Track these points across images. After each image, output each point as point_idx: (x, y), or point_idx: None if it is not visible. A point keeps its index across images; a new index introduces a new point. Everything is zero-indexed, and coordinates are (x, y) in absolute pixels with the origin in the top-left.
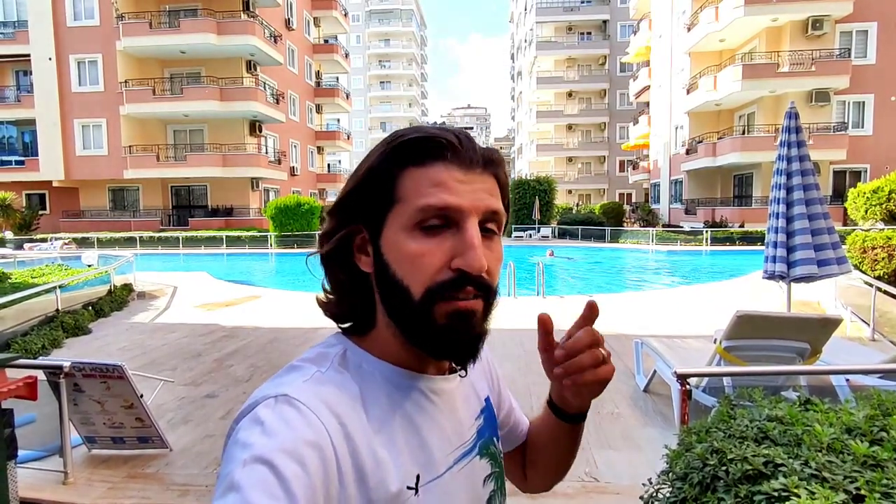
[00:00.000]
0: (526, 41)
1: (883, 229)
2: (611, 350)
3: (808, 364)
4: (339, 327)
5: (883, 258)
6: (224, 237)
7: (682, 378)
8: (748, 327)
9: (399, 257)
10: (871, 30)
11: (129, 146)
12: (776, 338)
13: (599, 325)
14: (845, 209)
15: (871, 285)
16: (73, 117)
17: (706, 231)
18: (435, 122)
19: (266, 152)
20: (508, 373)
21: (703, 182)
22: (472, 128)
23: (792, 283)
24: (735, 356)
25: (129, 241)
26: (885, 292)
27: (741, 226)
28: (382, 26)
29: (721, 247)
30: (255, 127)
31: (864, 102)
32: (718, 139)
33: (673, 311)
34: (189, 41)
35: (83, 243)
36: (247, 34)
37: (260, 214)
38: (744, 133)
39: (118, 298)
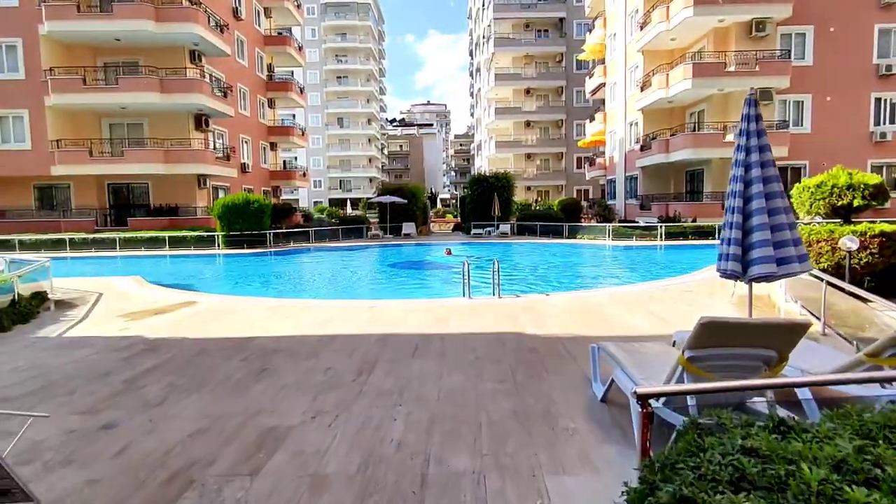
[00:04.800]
0: (484, 37)
1: (821, 223)
2: (567, 354)
3: (775, 372)
4: None
5: (827, 251)
6: (167, 238)
7: (644, 399)
8: (713, 336)
9: None
10: (808, 33)
11: (58, 140)
12: (742, 346)
13: (557, 327)
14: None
15: (820, 279)
16: None
17: (661, 226)
18: (395, 119)
19: (214, 148)
20: (457, 384)
21: (657, 178)
22: (431, 124)
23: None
24: (699, 367)
25: (59, 244)
26: (834, 286)
27: (694, 220)
28: (338, 20)
29: (675, 241)
30: (201, 121)
31: (802, 102)
32: (671, 136)
33: (630, 308)
34: (124, 27)
35: (2, 246)
36: (189, 22)
37: (208, 213)
38: (695, 130)
39: (24, 309)
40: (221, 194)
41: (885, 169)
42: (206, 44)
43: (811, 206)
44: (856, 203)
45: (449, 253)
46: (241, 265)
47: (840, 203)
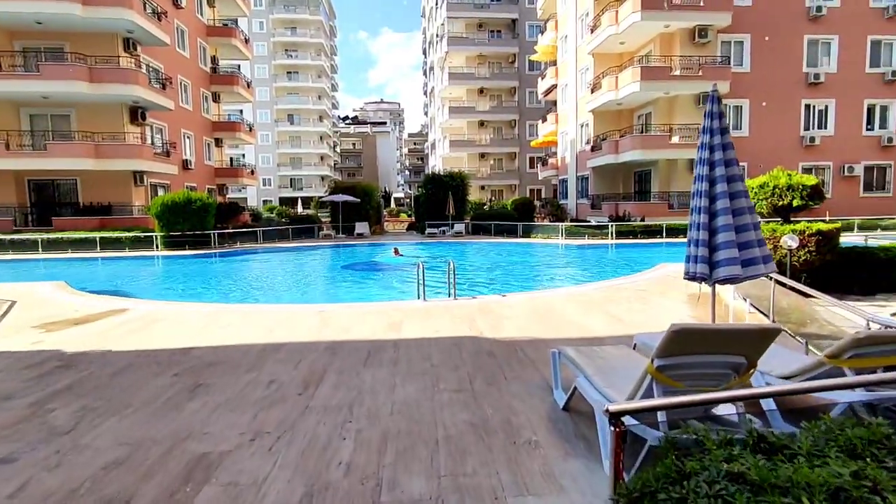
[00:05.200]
0: (438, 36)
1: (763, 222)
2: (526, 358)
3: (744, 379)
4: None
5: (770, 249)
6: (98, 239)
7: (617, 417)
8: (683, 343)
9: None
10: (745, 41)
11: None
12: (712, 353)
13: (514, 329)
14: None
15: (769, 277)
16: None
17: (611, 225)
18: (348, 116)
19: (152, 143)
20: (411, 396)
21: (607, 178)
22: (385, 122)
23: (714, 285)
24: (668, 377)
25: None
26: (783, 284)
27: (642, 220)
28: (288, 13)
29: (625, 240)
30: (137, 114)
31: (741, 106)
32: (620, 137)
33: (586, 309)
34: (46, 10)
35: None
36: (121, 7)
37: (145, 213)
38: (643, 132)
39: None
40: (161, 192)
41: (813, 171)
42: (141, 31)
43: (755, 205)
44: (795, 203)
45: (397, 253)
46: (181, 268)
47: (781, 203)
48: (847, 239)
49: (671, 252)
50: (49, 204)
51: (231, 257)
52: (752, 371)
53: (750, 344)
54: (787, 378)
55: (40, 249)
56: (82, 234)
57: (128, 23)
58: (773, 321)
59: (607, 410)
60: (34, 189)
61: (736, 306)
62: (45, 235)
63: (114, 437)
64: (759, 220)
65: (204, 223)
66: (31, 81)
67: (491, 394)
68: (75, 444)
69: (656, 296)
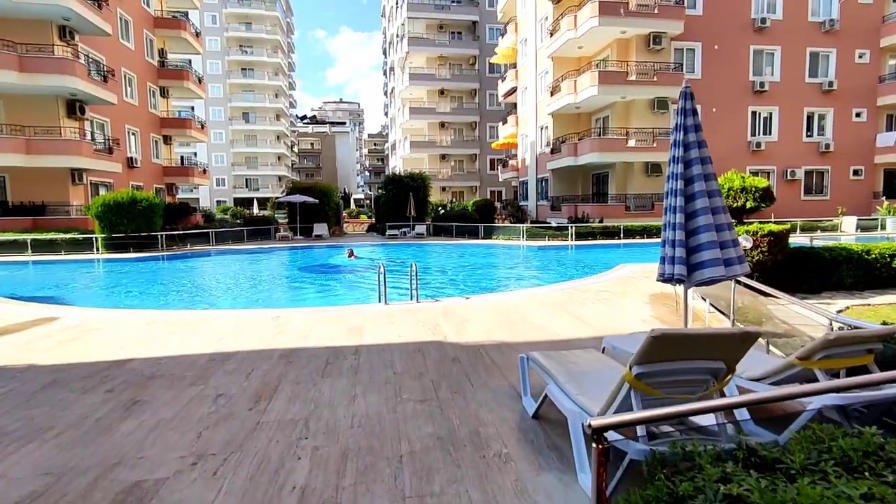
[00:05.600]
0: (398, 36)
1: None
2: (492, 364)
3: (723, 384)
4: None
5: None
6: (29, 241)
7: (599, 433)
8: (663, 349)
9: None
10: (696, 49)
11: None
12: (691, 359)
13: (479, 333)
14: None
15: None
16: None
17: (571, 227)
18: (306, 116)
19: (92, 139)
20: (373, 407)
21: (567, 180)
22: (344, 122)
23: (690, 287)
24: (646, 384)
25: None
26: (744, 284)
27: (601, 221)
28: (242, 8)
29: (585, 241)
30: (74, 107)
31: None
32: (579, 140)
33: (550, 311)
34: None
35: None
36: None
37: (85, 213)
38: (601, 135)
39: None
40: (104, 192)
41: (759, 175)
42: (79, 19)
43: None
44: (748, 205)
45: (351, 255)
46: (124, 272)
47: (735, 205)
48: (792, 240)
49: (629, 253)
50: None
51: (180, 260)
52: (730, 376)
53: (730, 348)
54: (757, 380)
55: None
56: (11, 236)
57: (63, 9)
58: (733, 321)
59: (590, 426)
60: None
61: (695, 306)
62: None
63: (32, 465)
64: (732, 219)
65: (150, 224)
66: None
67: (457, 403)
68: None
69: (618, 296)
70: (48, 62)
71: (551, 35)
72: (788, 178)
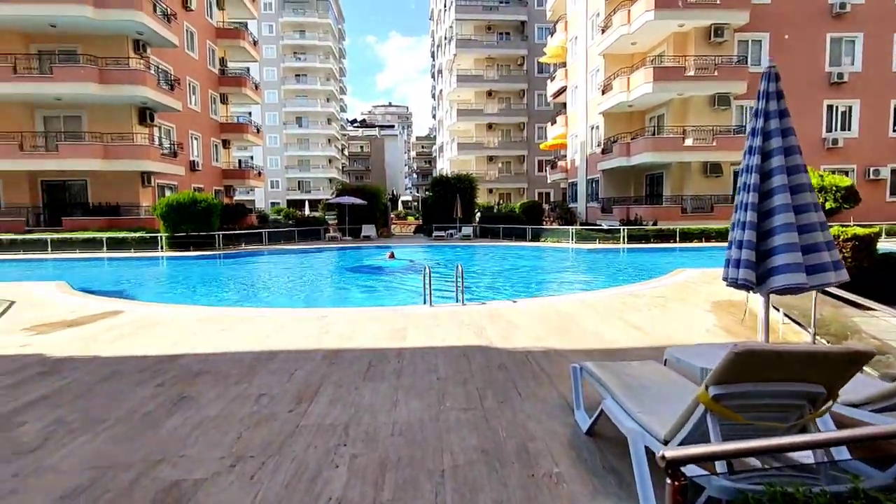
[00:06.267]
0: (446, 39)
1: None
2: (541, 372)
3: (821, 413)
4: None
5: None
6: (104, 239)
7: (676, 466)
8: (747, 368)
9: None
10: (763, 40)
11: None
12: (782, 380)
13: (527, 339)
14: None
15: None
16: None
17: (623, 229)
18: (356, 120)
19: (159, 144)
20: (415, 414)
21: (618, 181)
22: (393, 125)
23: (768, 295)
24: (726, 407)
25: None
26: (830, 294)
27: (655, 224)
28: (297, 17)
29: (637, 245)
30: (145, 115)
31: None
32: (632, 140)
33: (603, 317)
34: (59, 12)
35: None
36: (131, 9)
37: (152, 213)
38: (655, 134)
39: None
40: (168, 193)
41: (835, 174)
42: (151, 33)
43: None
44: (828, 206)
45: (392, 256)
46: (184, 269)
47: None
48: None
49: (686, 257)
50: (60, 204)
51: (235, 259)
52: (830, 403)
53: (834, 370)
54: (857, 406)
55: (49, 249)
56: (90, 234)
57: (137, 24)
58: (815, 335)
59: (663, 458)
60: (46, 189)
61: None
62: (55, 235)
63: (82, 458)
64: (826, 219)
65: (209, 224)
66: (45, 83)
67: (504, 414)
68: (38, 465)
69: (676, 303)
70: (124, 73)
71: (603, 32)
72: (871, 177)
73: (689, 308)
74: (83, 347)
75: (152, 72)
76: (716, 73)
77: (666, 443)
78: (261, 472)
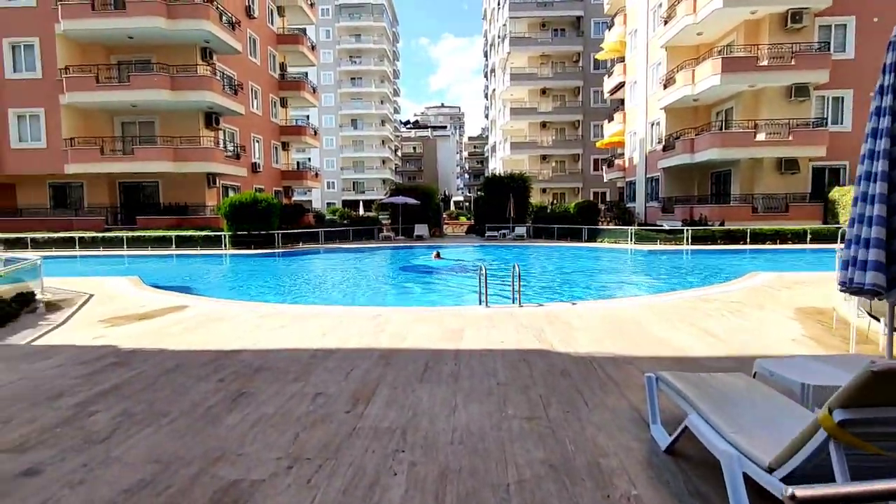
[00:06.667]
0: (499, 37)
1: None
2: (607, 379)
3: None
4: None
5: None
6: (173, 237)
7: None
8: (886, 390)
9: None
10: (849, 24)
11: (71, 138)
12: None
13: (589, 343)
14: (826, 207)
15: None
16: (8, 106)
17: (686, 230)
18: (409, 121)
19: (224, 147)
20: (475, 421)
21: (681, 180)
22: (445, 126)
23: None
24: (856, 435)
25: (69, 242)
26: None
27: (722, 224)
28: (353, 21)
29: (702, 246)
30: (211, 119)
31: (843, 98)
32: (696, 135)
33: (671, 322)
34: (136, 25)
35: (15, 244)
36: (199, 18)
37: (216, 213)
38: (722, 129)
39: (2, 312)
40: (232, 194)
41: None
42: (217, 41)
43: None
44: None
45: (437, 256)
46: (245, 266)
47: None
48: None
49: (759, 260)
50: (135, 204)
51: (293, 257)
52: None
53: None
54: None
55: (125, 246)
56: (160, 233)
57: (205, 33)
58: None
59: (793, 497)
60: (123, 191)
61: (860, 326)
62: (130, 233)
63: (146, 450)
64: None
65: (268, 223)
66: (123, 91)
67: (570, 425)
68: (107, 455)
69: (754, 308)
70: (193, 80)
71: (665, 23)
72: None
73: (768, 314)
74: (152, 340)
75: (217, 77)
76: (793, 62)
77: (771, 470)
78: (318, 476)
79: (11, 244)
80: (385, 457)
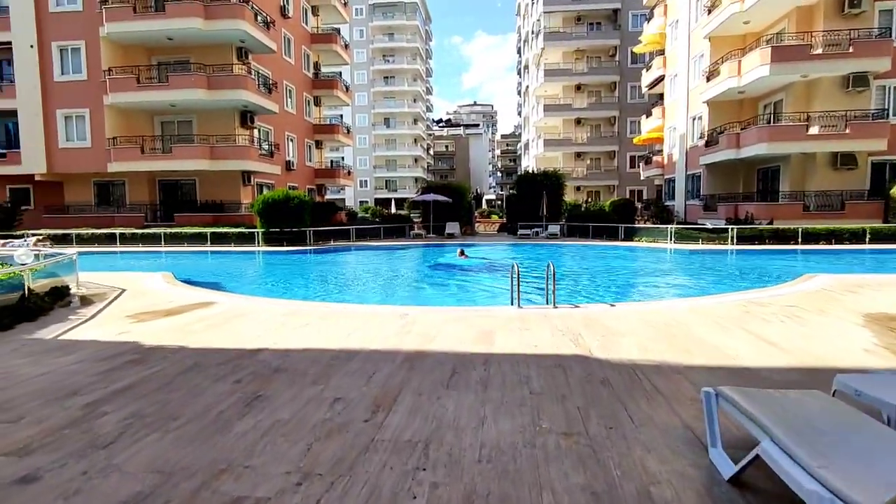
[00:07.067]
0: (533, 33)
1: None
2: (654, 390)
3: None
4: None
5: None
6: (209, 234)
7: None
8: None
9: None
10: None
11: (114, 138)
12: None
13: (631, 349)
14: (887, 204)
15: None
16: (56, 107)
17: (731, 229)
18: (441, 119)
19: (259, 145)
20: (505, 437)
21: (724, 176)
22: (478, 124)
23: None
24: None
25: (110, 238)
26: None
27: (770, 223)
28: (386, 20)
29: (749, 245)
30: (246, 117)
31: None
32: (742, 129)
33: (722, 326)
34: (175, 26)
35: (62, 240)
36: (235, 18)
37: (251, 210)
38: (770, 122)
39: (35, 305)
40: (266, 191)
41: None
42: (252, 40)
43: None
44: None
45: (462, 254)
46: (276, 263)
47: None
48: None
49: (813, 261)
50: (173, 201)
51: (324, 254)
52: None
53: None
54: None
55: (163, 243)
56: (196, 230)
57: (241, 32)
58: None
59: None
60: (162, 188)
61: None
62: (167, 230)
63: (149, 458)
64: None
65: (301, 221)
66: (162, 91)
67: (614, 443)
68: (108, 462)
69: (814, 314)
70: (228, 79)
71: (709, 13)
72: None
73: (832, 320)
74: (175, 337)
75: (252, 77)
76: (851, 50)
77: None
78: (328, 496)
79: (59, 240)
80: (404, 475)
